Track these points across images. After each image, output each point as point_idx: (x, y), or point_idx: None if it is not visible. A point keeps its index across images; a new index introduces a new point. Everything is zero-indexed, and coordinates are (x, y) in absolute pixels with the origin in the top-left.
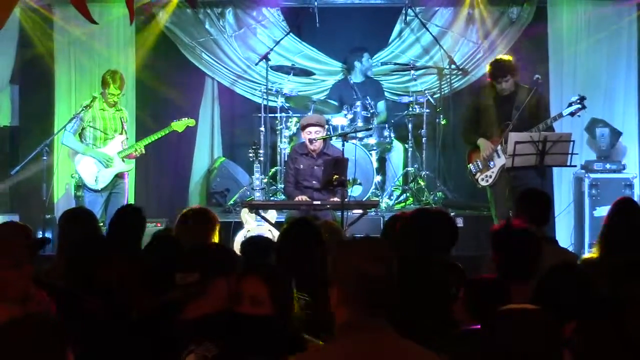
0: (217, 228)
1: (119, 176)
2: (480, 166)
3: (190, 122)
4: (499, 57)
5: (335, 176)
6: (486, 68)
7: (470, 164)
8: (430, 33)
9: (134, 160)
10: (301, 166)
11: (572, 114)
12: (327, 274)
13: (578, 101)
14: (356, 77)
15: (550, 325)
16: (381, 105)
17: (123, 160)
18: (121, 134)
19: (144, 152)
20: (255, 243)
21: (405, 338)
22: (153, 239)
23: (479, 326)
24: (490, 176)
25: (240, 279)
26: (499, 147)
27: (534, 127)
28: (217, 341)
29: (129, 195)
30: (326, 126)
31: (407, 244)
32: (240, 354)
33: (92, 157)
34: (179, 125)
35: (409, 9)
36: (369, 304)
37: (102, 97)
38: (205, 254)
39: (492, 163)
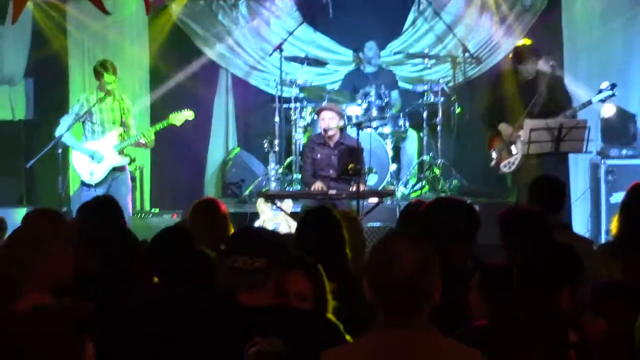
0: (229, 218)
1: (117, 170)
2: (502, 152)
3: (189, 115)
4: (521, 42)
5: (351, 165)
6: (501, 56)
7: (492, 150)
8: (444, 21)
9: (127, 157)
10: (318, 156)
11: (602, 101)
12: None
13: (609, 88)
14: (368, 67)
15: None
16: (395, 94)
17: (120, 154)
18: (121, 125)
19: (150, 142)
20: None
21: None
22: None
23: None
24: (513, 162)
25: (283, 274)
26: (520, 133)
27: (559, 113)
28: (282, 336)
29: (134, 186)
30: (343, 115)
31: (426, 234)
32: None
33: (82, 153)
34: (177, 117)
35: None
36: (400, 303)
37: (98, 90)
38: (274, 239)
39: (514, 149)
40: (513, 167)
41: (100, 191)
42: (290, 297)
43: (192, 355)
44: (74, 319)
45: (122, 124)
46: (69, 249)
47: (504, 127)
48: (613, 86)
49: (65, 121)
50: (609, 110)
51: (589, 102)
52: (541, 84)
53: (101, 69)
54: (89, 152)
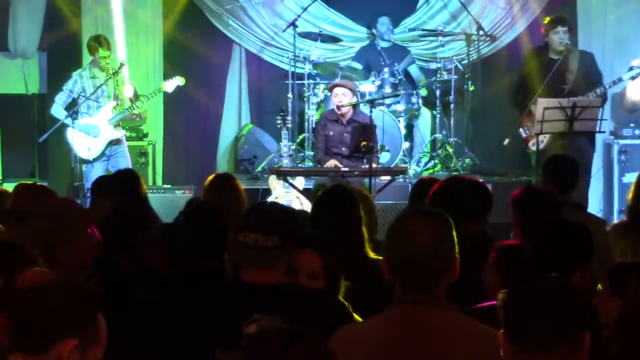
0: (244, 193)
1: (114, 143)
2: (531, 131)
3: (181, 80)
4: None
5: (364, 142)
6: (516, 34)
7: (521, 129)
8: None
9: (123, 130)
10: (331, 133)
11: (632, 78)
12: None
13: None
14: (382, 43)
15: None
16: (414, 70)
17: (116, 127)
18: (114, 99)
19: (143, 112)
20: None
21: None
22: (188, 205)
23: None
24: (542, 141)
25: (296, 252)
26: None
27: (589, 92)
28: (284, 314)
29: (131, 161)
30: (356, 92)
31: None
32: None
33: (77, 130)
34: (169, 85)
35: None
36: (416, 279)
37: (91, 66)
38: (289, 217)
39: None
40: (542, 146)
41: (99, 166)
42: (301, 275)
43: (191, 330)
44: (84, 293)
45: (116, 97)
46: (93, 234)
47: (534, 107)
48: None
49: (59, 98)
50: (637, 92)
51: (619, 80)
52: (572, 62)
53: (95, 43)
54: (84, 127)
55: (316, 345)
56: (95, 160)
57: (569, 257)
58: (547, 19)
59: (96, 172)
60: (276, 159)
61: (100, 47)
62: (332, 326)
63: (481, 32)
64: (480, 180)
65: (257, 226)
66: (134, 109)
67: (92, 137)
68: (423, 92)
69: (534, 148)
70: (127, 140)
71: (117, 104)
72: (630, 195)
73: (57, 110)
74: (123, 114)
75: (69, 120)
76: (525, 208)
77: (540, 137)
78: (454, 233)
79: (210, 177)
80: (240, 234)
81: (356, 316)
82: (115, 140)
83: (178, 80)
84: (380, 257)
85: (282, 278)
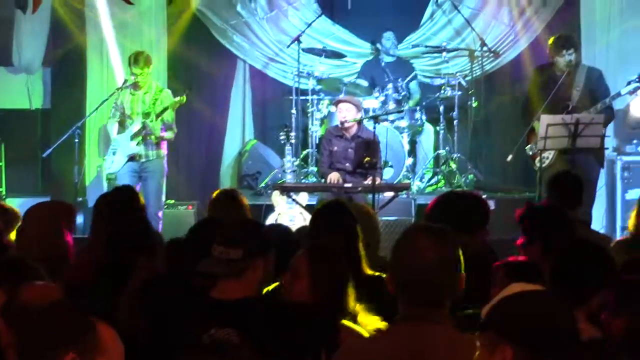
0: (248, 210)
1: (142, 159)
2: (537, 147)
3: (182, 99)
4: (559, 33)
5: (367, 158)
6: (519, 51)
7: (528, 145)
8: (462, 15)
9: (143, 146)
10: (335, 148)
11: (630, 92)
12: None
13: (637, 79)
14: (386, 58)
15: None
16: (414, 85)
17: (138, 144)
18: (146, 116)
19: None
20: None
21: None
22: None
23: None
24: (547, 157)
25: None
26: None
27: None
28: (241, 329)
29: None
30: (361, 108)
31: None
32: (268, 344)
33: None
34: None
35: None
36: (421, 295)
37: (127, 87)
38: (254, 229)
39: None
40: (546, 162)
41: (126, 181)
42: (286, 274)
43: (160, 346)
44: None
45: (147, 115)
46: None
47: (537, 124)
48: None
49: (113, 115)
50: (639, 107)
51: (618, 94)
52: (578, 78)
53: (131, 59)
54: (113, 141)
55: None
56: (117, 173)
57: (591, 278)
58: (551, 40)
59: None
60: (279, 175)
61: (133, 64)
62: (312, 338)
63: (485, 48)
64: (481, 195)
65: (223, 239)
66: (148, 125)
67: (116, 150)
68: (411, 103)
69: (538, 164)
70: None
71: (148, 121)
72: (633, 213)
73: (112, 125)
74: (145, 131)
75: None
76: (537, 225)
77: (545, 154)
78: (458, 249)
79: (215, 193)
80: (212, 248)
81: (354, 326)
82: (137, 155)
83: (180, 99)
84: (377, 274)
85: (253, 290)
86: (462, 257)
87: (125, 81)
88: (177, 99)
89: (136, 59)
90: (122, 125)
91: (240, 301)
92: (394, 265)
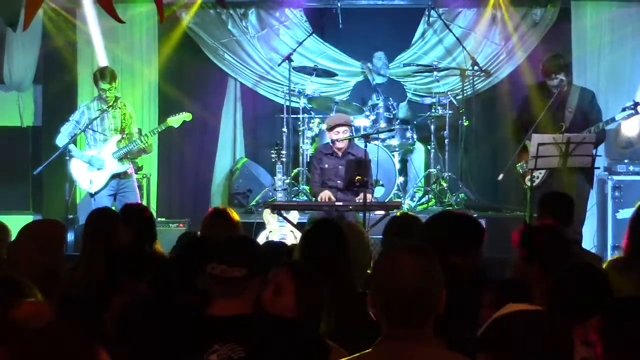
0: (240, 228)
1: (122, 177)
2: (528, 167)
3: (187, 116)
4: (552, 53)
5: (358, 177)
6: (510, 70)
7: (519, 164)
8: (454, 34)
9: (127, 161)
10: (326, 166)
11: (624, 119)
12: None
13: (632, 107)
14: (377, 78)
15: (556, 326)
16: (403, 105)
17: (121, 161)
18: (120, 132)
19: (148, 146)
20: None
21: (453, 351)
22: (180, 239)
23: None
24: (537, 177)
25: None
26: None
27: (586, 129)
28: (245, 343)
29: (141, 195)
30: (352, 126)
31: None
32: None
33: (82, 160)
34: (175, 120)
35: (432, 10)
36: (403, 314)
37: (98, 98)
38: (255, 248)
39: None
40: (537, 181)
41: (105, 200)
42: (269, 288)
43: None
44: (83, 333)
45: (122, 131)
46: None
47: (529, 143)
48: (636, 104)
49: (65, 129)
50: (631, 128)
51: (613, 120)
52: (571, 98)
53: (98, 74)
54: (87, 159)
55: None
56: (97, 193)
57: (589, 302)
58: (543, 64)
59: (94, 206)
60: (270, 193)
61: (101, 79)
62: (303, 354)
63: (476, 68)
64: (473, 215)
65: (224, 258)
66: (139, 143)
67: (95, 169)
68: (400, 113)
69: (528, 184)
70: None
71: (123, 138)
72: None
73: (62, 140)
74: (128, 147)
75: (72, 147)
76: (535, 245)
77: (536, 173)
78: (439, 266)
79: (209, 211)
80: (208, 266)
81: (338, 348)
82: (122, 174)
83: (185, 116)
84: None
85: (249, 307)
86: (443, 275)
87: (117, 98)
88: (184, 114)
89: (102, 74)
90: (92, 142)
91: (239, 317)
92: (374, 287)
